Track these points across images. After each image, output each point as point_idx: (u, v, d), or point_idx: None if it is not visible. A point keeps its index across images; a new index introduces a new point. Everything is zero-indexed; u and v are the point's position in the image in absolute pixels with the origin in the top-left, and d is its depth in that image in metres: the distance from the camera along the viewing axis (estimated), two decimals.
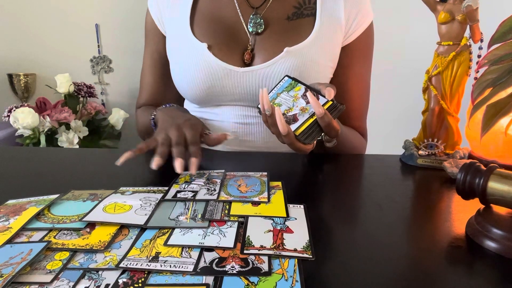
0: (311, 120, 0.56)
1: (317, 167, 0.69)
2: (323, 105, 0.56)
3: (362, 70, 0.82)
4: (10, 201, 0.48)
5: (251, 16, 0.76)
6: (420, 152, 0.69)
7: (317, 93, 0.59)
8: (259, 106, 0.61)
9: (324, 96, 0.57)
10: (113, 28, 2.06)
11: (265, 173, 0.58)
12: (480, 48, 0.62)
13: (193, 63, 0.74)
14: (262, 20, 0.75)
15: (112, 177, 0.61)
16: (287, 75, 0.66)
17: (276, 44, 0.74)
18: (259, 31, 0.76)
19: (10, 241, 0.38)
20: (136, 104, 0.92)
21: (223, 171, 0.59)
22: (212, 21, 0.77)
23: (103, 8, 2.03)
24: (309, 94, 0.56)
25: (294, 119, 0.58)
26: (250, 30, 0.76)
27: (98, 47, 2.08)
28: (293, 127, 0.57)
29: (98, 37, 2.07)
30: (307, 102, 0.58)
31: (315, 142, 0.62)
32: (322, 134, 0.62)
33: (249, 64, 0.75)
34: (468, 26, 0.63)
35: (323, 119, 0.55)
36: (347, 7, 0.76)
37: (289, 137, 0.56)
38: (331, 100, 0.56)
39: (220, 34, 0.76)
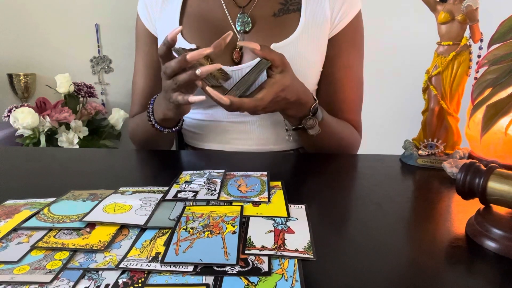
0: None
1: (317, 167, 0.69)
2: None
3: (351, 61, 0.80)
4: (9, 202, 0.48)
5: (238, 15, 0.77)
6: (420, 152, 0.68)
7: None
8: None
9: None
10: (113, 28, 2.06)
11: (265, 173, 0.58)
12: (480, 48, 0.62)
13: None
14: (249, 19, 0.76)
15: (112, 177, 0.61)
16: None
17: (263, 41, 0.74)
18: (247, 29, 0.76)
19: None
20: (130, 113, 0.89)
21: (223, 171, 0.59)
22: (201, 22, 0.78)
23: (103, 8, 2.03)
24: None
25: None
26: (238, 29, 0.76)
27: (98, 47, 2.08)
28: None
29: (98, 37, 2.07)
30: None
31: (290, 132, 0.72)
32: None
33: (238, 62, 0.76)
34: (468, 26, 0.63)
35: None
36: None
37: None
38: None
39: (208, 35, 0.76)
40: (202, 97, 0.59)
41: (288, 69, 0.64)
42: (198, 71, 0.57)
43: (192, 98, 0.60)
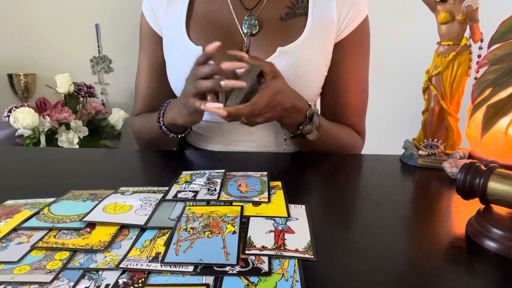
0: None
1: (317, 167, 0.69)
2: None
3: (356, 66, 0.81)
4: (9, 202, 0.48)
5: (245, 17, 0.76)
6: (420, 152, 0.68)
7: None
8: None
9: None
10: (113, 28, 2.06)
11: (265, 173, 0.58)
12: (480, 48, 0.62)
13: (188, 66, 0.74)
14: (256, 21, 0.76)
15: (112, 177, 0.61)
16: None
17: (269, 44, 0.75)
18: (254, 32, 0.76)
19: None
20: (133, 111, 0.89)
21: (223, 171, 0.59)
22: (207, 24, 0.77)
23: (103, 8, 2.03)
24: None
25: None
26: (245, 31, 0.76)
27: (98, 47, 2.08)
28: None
29: (98, 37, 2.07)
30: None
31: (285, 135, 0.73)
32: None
33: None
34: (468, 26, 0.63)
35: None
36: (339, 4, 0.76)
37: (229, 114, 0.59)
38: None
39: (215, 36, 0.76)
40: (220, 105, 0.59)
41: (279, 75, 0.65)
42: (223, 83, 0.57)
43: (210, 104, 0.59)
